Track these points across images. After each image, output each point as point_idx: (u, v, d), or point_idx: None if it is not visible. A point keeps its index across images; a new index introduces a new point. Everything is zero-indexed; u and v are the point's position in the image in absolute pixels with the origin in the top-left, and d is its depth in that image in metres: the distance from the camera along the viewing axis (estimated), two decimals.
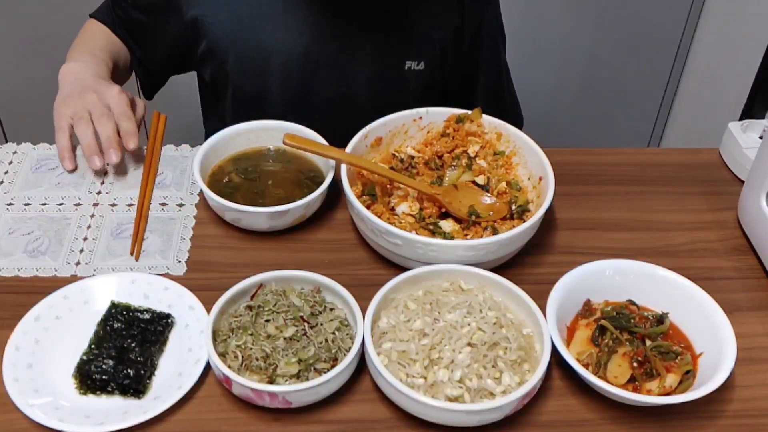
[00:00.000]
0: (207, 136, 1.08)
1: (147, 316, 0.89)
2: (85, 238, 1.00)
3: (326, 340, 0.84)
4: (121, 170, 1.09)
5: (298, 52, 1.16)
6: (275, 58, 1.18)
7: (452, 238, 0.96)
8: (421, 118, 1.09)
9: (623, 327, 0.87)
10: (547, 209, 0.95)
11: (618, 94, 2.32)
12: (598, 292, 0.92)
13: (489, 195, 1.02)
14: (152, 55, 1.26)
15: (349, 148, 1.01)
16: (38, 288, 0.92)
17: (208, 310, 0.86)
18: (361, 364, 0.84)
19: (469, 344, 0.82)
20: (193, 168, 1.02)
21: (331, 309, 0.88)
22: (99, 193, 1.07)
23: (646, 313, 0.90)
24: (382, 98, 1.13)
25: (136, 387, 0.82)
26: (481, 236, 0.96)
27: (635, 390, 0.83)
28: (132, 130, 1.04)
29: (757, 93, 1.32)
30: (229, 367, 0.81)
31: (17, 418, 0.80)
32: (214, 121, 1.32)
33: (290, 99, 1.21)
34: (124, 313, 0.88)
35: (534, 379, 0.79)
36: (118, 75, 1.22)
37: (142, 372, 0.83)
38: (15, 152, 1.13)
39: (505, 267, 0.97)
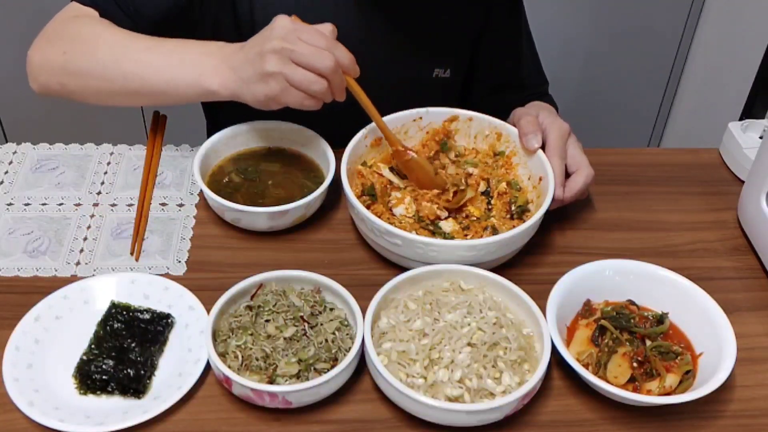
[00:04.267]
0: (211, 133, 1.07)
1: (147, 316, 0.89)
2: (85, 238, 1.00)
3: (326, 340, 0.84)
4: (121, 170, 1.09)
5: None
6: None
7: (452, 238, 0.96)
8: (421, 118, 1.09)
9: (623, 327, 0.87)
10: (546, 209, 0.95)
11: (618, 94, 2.32)
12: (598, 292, 0.92)
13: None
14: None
15: (348, 148, 1.01)
16: (38, 288, 0.92)
17: (208, 310, 0.86)
18: (361, 364, 0.84)
19: (469, 344, 0.82)
20: (193, 168, 1.02)
21: (331, 309, 0.88)
22: (99, 193, 1.07)
23: (646, 313, 0.90)
24: (402, 105, 1.10)
25: (136, 387, 0.82)
26: (481, 236, 0.96)
27: (635, 390, 0.83)
28: None
29: (757, 93, 1.32)
30: (229, 367, 0.81)
31: (17, 418, 0.80)
32: (225, 113, 1.26)
33: None
34: (124, 313, 0.88)
35: (534, 379, 0.79)
36: None
37: (142, 372, 0.83)
38: (15, 152, 1.13)
39: (505, 267, 0.97)
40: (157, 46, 1.01)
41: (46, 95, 1.07)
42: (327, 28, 0.94)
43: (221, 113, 1.32)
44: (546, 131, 1.03)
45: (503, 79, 1.29)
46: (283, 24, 0.92)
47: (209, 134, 1.10)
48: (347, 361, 0.80)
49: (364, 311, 0.84)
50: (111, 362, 0.83)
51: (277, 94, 0.92)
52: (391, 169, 1.05)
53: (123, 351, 0.85)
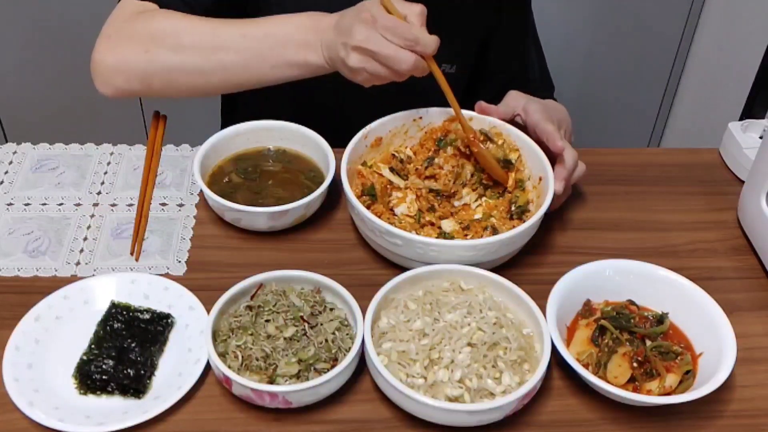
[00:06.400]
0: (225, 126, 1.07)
1: (147, 316, 0.89)
2: (85, 238, 1.00)
3: (326, 340, 0.84)
4: (121, 170, 1.09)
5: None
6: None
7: (452, 237, 0.96)
8: (421, 118, 1.09)
9: (623, 327, 0.87)
10: (547, 209, 0.95)
11: (618, 93, 2.32)
12: (598, 292, 0.92)
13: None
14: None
15: (348, 148, 1.01)
16: (38, 288, 0.92)
17: (208, 310, 0.86)
18: (361, 364, 0.84)
19: (469, 344, 0.82)
20: (193, 168, 1.02)
21: (331, 309, 0.88)
22: (99, 193, 1.07)
23: (646, 313, 0.90)
24: (407, 97, 1.10)
25: (136, 387, 0.82)
26: (481, 236, 0.96)
27: (635, 390, 0.83)
28: None
29: (757, 93, 1.32)
30: (229, 367, 0.81)
31: (17, 418, 0.80)
32: (243, 108, 1.27)
33: (310, 95, 1.16)
34: (124, 313, 0.88)
35: (534, 379, 0.79)
36: None
37: (142, 372, 0.83)
38: (15, 152, 1.13)
39: (505, 267, 0.97)
40: (251, 31, 1.01)
41: (119, 97, 1.06)
42: (416, 10, 0.94)
43: (237, 113, 1.32)
44: (527, 110, 1.05)
45: (508, 80, 1.29)
46: (367, 18, 0.93)
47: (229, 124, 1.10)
48: (347, 361, 0.80)
49: (364, 311, 0.84)
50: (111, 362, 0.83)
51: (362, 83, 0.97)
52: (391, 170, 1.05)
53: (123, 351, 0.85)
